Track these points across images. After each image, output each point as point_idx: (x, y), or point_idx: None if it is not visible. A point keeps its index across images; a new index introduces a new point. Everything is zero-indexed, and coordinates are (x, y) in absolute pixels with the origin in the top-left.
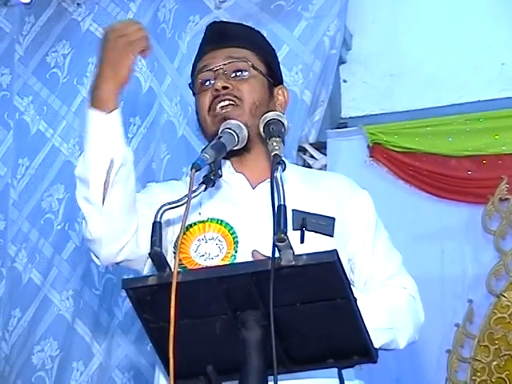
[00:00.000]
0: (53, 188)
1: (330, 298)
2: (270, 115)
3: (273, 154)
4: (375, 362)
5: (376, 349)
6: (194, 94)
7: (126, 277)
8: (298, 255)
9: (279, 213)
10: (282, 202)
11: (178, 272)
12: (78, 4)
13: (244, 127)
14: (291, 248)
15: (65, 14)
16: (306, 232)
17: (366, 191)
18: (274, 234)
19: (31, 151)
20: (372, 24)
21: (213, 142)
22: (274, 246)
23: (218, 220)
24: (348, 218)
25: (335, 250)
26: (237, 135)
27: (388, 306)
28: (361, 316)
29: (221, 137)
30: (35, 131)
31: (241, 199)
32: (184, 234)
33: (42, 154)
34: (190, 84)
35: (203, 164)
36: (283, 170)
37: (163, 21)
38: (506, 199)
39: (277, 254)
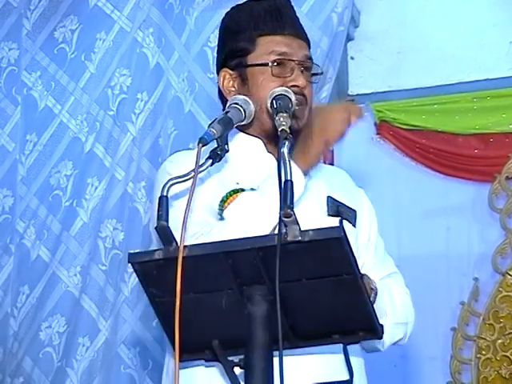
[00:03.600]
0: (61, 164)
1: (336, 273)
2: (278, 90)
3: (280, 129)
4: (380, 337)
5: (381, 325)
6: (226, 62)
7: (132, 251)
8: (304, 231)
9: (286, 188)
10: (289, 178)
11: (185, 246)
12: None
13: (251, 103)
14: (297, 223)
15: None
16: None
17: (362, 190)
18: (281, 210)
19: (39, 127)
20: (379, 1)
21: (220, 117)
22: (280, 221)
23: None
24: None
25: (341, 226)
26: (244, 110)
27: (401, 302)
28: (367, 292)
29: (228, 112)
30: (43, 107)
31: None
32: (226, 199)
33: (50, 130)
34: (229, 51)
35: (210, 139)
36: (291, 146)
37: None
38: None
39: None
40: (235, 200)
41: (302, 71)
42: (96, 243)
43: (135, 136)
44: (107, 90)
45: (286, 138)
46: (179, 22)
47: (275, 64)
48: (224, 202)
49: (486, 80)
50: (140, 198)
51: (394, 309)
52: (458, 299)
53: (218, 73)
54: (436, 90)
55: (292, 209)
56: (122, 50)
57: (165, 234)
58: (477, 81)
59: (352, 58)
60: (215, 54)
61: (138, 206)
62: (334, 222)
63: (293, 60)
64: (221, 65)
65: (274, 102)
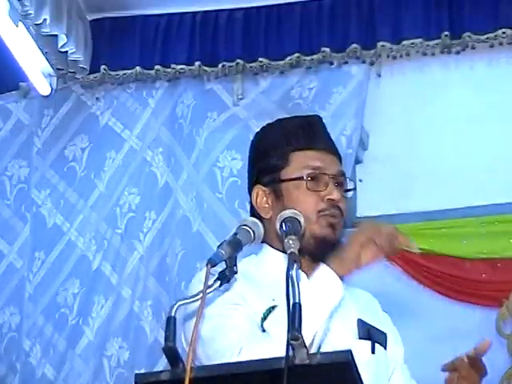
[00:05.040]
0: (68, 282)
1: None
2: (287, 213)
3: (289, 252)
4: None
5: None
6: (260, 179)
7: (137, 371)
8: (312, 354)
9: (294, 311)
10: (297, 301)
11: (191, 368)
12: (97, 98)
13: (260, 225)
14: (305, 347)
15: (84, 107)
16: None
17: (387, 314)
18: (288, 332)
19: (47, 244)
20: (388, 124)
21: (229, 239)
22: (288, 344)
23: None
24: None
25: (350, 350)
26: (253, 232)
27: None
28: None
29: (237, 233)
30: (52, 224)
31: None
32: (266, 316)
33: (59, 248)
34: (262, 169)
35: (219, 260)
36: (299, 269)
37: (181, 116)
38: None
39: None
40: (273, 314)
41: (337, 186)
42: (101, 362)
43: (142, 254)
44: (116, 208)
45: (294, 261)
46: (188, 142)
47: (309, 178)
48: (265, 319)
49: (493, 204)
50: (146, 317)
51: None
52: None
53: (249, 191)
54: (444, 213)
55: (300, 332)
56: (131, 168)
57: (172, 354)
58: (485, 205)
59: (360, 181)
60: (223, 174)
61: (144, 324)
62: (366, 345)
63: (327, 174)
64: (253, 183)
65: (284, 224)
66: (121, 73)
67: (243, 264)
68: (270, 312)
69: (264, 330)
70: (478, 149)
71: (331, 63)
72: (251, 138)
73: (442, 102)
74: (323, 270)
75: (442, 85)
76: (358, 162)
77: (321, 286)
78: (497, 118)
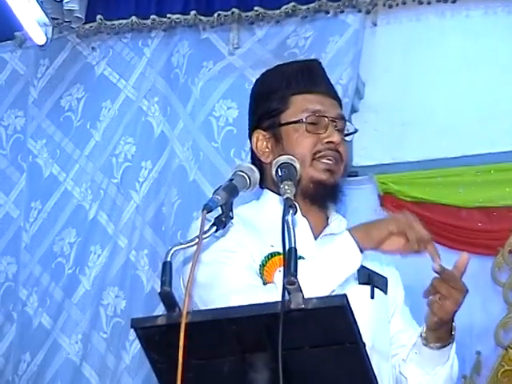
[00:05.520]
0: (65, 232)
1: (339, 342)
2: (282, 159)
3: (284, 197)
4: None
5: None
6: (259, 123)
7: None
8: (307, 298)
9: (290, 255)
10: (293, 245)
11: (188, 312)
12: (92, 48)
13: (256, 170)
14: (301, 291)
15: (79, 57)
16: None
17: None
18: (285, 277)
19: (44, 194)
20: (384, 73)
21: (224, 185)
22: (284, 288)
23: None
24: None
25: (345, 294)
26: (249, 178)
27: None
28: (369, 361)
29: (232, 179)
30: (48, 174)
31: (302, 249)
32: (265, 263)
33: (55, 198)
34: (261, 113)
35: (214, 206)
36: (294, 214)
37: (177, 66)
38: None
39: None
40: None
41: (337, 129)
42: (98, 311)
43: (139, 204)
44: (112, 158)
45: (290, 206)
46: (184, 92)
47: (309, 121)
48: (264, 266)
49: (489, 154)
50: (142, 266)
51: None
52: (459, 372)
53: (250, 137)
54: (440, 162)
55: (296, 276)
56: (127, 118)
57: (168, 299)
58: (480, 154)
59: (356, 130)
60: (219, 123)
61: (141, 273)
62: (365, 290)
63: (326, 117)
64: (253, 127)
65: (279, 170)
66: (116, 22)
67: (243, 210)
68: (268, 259)
69: (263, 277)
70: (474, 97)
71: (327, 12)
72: (247, 87)
73: (437, 50)
74: (346, 238)
75: (438, 33)
76: (353, 111)
77: (340, 254)
78: (493, 67)
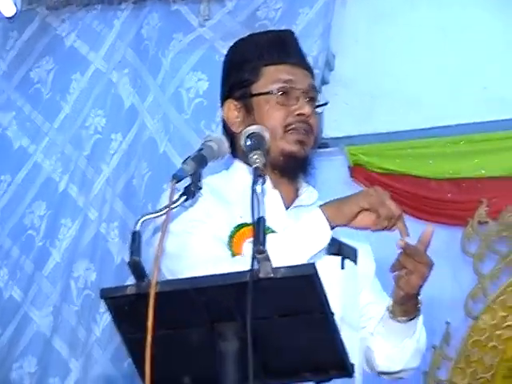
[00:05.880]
0: (35, 204)
1: (308, 311)
2: (251, 129)
3: (253, 166)
4: (351, 376)
5: (352, 363)
6: (231, 93)
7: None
8: (276, 268)
9: (258, 225)
10: (262, 215)
11: (157, 282)
12: (62, 20)
13: (225, 140)
14: (269, 260)
15: (49, 29)
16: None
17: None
18: (254, 246)
19: (13, 167)
20: (354, 45)
21: (193, 155)
22: (253, 257)
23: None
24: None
25: (313, 263)
26: (218, 148)
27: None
28: (337, 329)
29: (201, 149)
30: (17, 147)
31: (274, 221)
32: (234, 234)
33: (25, 171)
34: (233, 83)
35: (183, 175)
36: (263, 183)
37: (147, 37)
38: (485, 222)
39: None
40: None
41: (308, 100)
42: (68, 283)
43: (109, 176)
44: (82, 130)
45: (259, 176)
46: (155, 64)
47: (280, 92)
48: (232, 237)
49: (459, 125)
50: (113, 238)
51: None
52: (429, 343)
53: (221, 106)
54: (410, 134)
55: (264, 245)
56: (97, 90)
57: (137, 269)
58: (450, 126)
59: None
60: (189, 95)
61: (111, 246)
62: (335, 260)
63: (298, 88)
64: (225, 97)
65: (248, 139)
66: None
67: (213, 179)
68: (237, 230)
69: (231, 248)
70: (443, 68)
71: None
72: (217, 59)
73: (407, 21)
74: (317, 214)
75: (408, 4)
76: (324, 82)
77: (310, 230)
78: (462, 37)
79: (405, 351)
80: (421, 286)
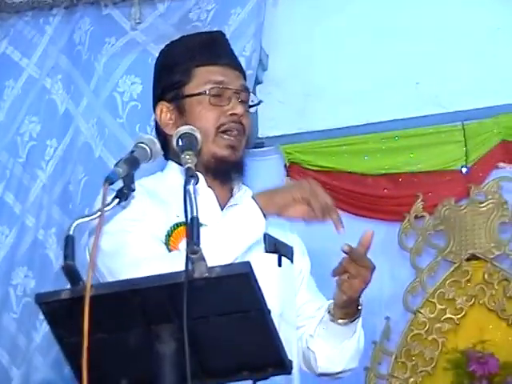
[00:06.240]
0: None
1: (244, 309)
2: (183, 129)
3: (186, 167)
4: (289, 373)
5: (290, 360)
6: (163, 95)
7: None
8: (211, 267)
9: (192, 225)
10: (195, 214)
11: (91, 285)
12: None
13: (157, 142)
14: (204, 260)
15: None
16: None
17: (295, 234)
18: (188, 246)
19: None
20: (287, 44)
21: (125, 157)
22: (188, 258)
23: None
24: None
25: (248, 262)
26: (150, 149)
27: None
28: (274, 327)
29: (133, 151)
30: None
31: (209, 219)
32: (171, 233)
33: None
34: (165, 86)
35: (116, 178)
36: (196, 183)
37: (79, 42)
38: (422, 216)
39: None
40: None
41: (241, 101)
42: (7, 291)
43: (45, 183)
44: (16, 137)
45: (191, 176)
46: (88, 68)
47: (212, 93)
48: (169, 236)
49: (393, 120)
50: (51, 245)
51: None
52: (369, 339)
53: (154, 108)
54: (344, 131)
55: (198, 245)
56: (30, 97)
57: (71, 273)
58: (384, 121)
59: (260, 102)
60: (123, 99)
61: (49, 252)
62: (272, 258)
63: (230, 89)
64: (157, 99)
65: (180, 140)
66: (16, 1)
67: (147, 181)
68: (174, 229)
69: (169, 247)
70: (376, 65)
71: None
72: (150, 62)
73: (337, 20)
74: (249, 203)
75: (339, 2)
76: (257, 82)
77: (244, 220)
78: (395, 34)
79: (345, 352)
80: (363, 289)
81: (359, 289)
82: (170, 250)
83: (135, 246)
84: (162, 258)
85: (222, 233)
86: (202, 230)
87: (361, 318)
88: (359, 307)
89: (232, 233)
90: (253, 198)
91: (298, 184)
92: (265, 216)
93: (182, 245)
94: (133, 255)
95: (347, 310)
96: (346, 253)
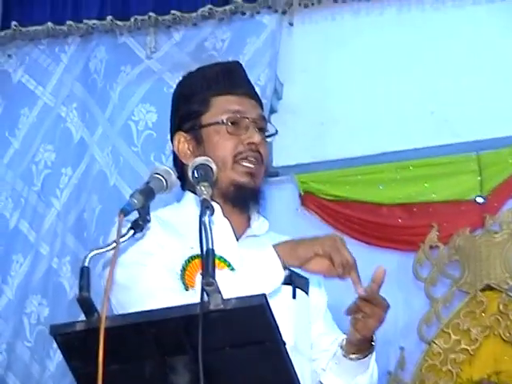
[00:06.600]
0: None
1: (259, 341)
2: (198, 160)
3: (201, 198)
4: None
5: None
6: (182, 125)
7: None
8: (226, 299)
9: (207, 257)
10: (211, 246)
11: (106, 317)
12: (8, 55)
13: (173, 172)
14: (219, 292)
15: None
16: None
17: None
18: (203, 278)
19: None
20: (302, 73)
21: (141, 188)
22: (203, 290)
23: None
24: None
25: (264, 294)
26: (165, 180)
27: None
28: (289, 359)
29: (149, 182)
30: None
31: (225, 250)
32: (186, 267)
33: None
34: (182, 117)
35: (131, 209)
36: (211, 215)
37: (94, 71)
38: (436, 246)
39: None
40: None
41: (258, 129)
42: (21, 319)
43: (60, 211)
44: (31, 165)
45: (207, 207)
46: (103, 97)
47: (230, 122)
48: (185, 269)
49: (408, 150)
50: (65, 273)
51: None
52: (384, 369)
53: (171, 139)
54: (359, 160)
55: (214, 277)
56: (45, 125)
57: (86, 305)
58: (399, 151)
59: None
60: (138, 128)
61: (63, 280)
62: (287, 290)
63: (247, 118)
64: (174, 129)
65: (196, 171)
66: (32, 29)
67: (164, 212)
68: (189, 262)
69: (184, 281)
70: (391, 95)
71: (243, 13)
72: (166, 91)
73: (353, 49)
74: (270, 253)
75: (353, 32)
76: (272, 111)
77: (263, 270)
78: (409, 64)
79: None
80: (377, 328)
81: (373, 328)
82: (185, 284)
83: (148, 280)
84: (175, 294)
85: (240, 281)
86: (222, 273)
87: (374, 354)
88: (372, 343)
89: (250, 282)
90: (275, 248)
91: (321, 238)
92: (285, 267)
93: (198, 279)
94: (144, 290)
95: (360, 346)
96: (361, 296)
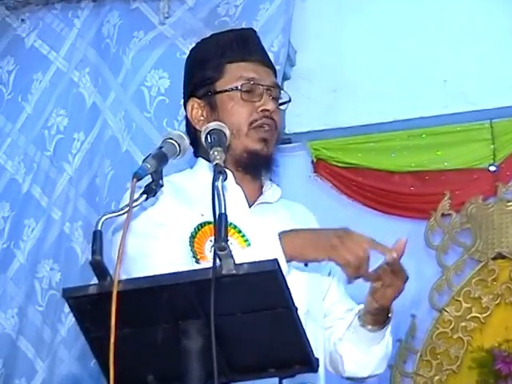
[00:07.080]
0: None
1: (271, 307)
2: (211, 125)
3: (214, 163)
4: (316, 371)
5: (317, 358)
6: (195, 92)
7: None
8: (238, 264)
9: (220, 222)
10: (223, 211)
11: (119, 281)
12: (22, 20)
13: (186, 137)
14: (232, 257)
15: (9, 29)
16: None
17: None
18: (215, 242)
19: None
20: (315, 39)
21: (154, 152)
22: (215, 254)
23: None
24: None
25: (276, 259)
26: (178, 145)
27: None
28: (301, 325)
29: (162, 147)
30: None
31: (237, 217)
32: (195, 234)
33: None
34: (196, 83)
35: (144, 173)
36: (224, 180)
37: (107, 36)
38: (448, 214)
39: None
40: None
41: (272, 98)
42: (33, 284)
43: (72, 176)
44: (44, 130)
45: (220, 172)
46: (116, 62)
47: (244, 89)
48: (194, 236)
49: (420, 118)
50: (77, 238)
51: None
52: (395, 337)
53: (185, 105)
54: (372, 127)
55: (226, 242)
56: (58, 90)
57: (99, 268)
58: (412, 119)
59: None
60: (151, 93)
61: (75, 245)
62: None
63: (261, 85)
64: (188, 95)
65: (209, 136)
66: None
67: (176, 177)
68: (199, 229)
69: (193, 248)
70: (404, 62)
71: None
72: (178, 57)
73: (368, 15)
74: (274, 246)
75: None
76: (285, 78)
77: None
78: (424, 31)
79: (372, 357)
80: (395, 299)
81: (391, 298)
82: (193, 252)
83: (160, 254)
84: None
85: (255, 253)
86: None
87: (390, 325)
88: (389, 314)
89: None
90: (279, 236)
91: (329, 242)
92: (288, 260)
93: (207, 248)
94: (155, 264)
95: (377, 316)
96: (387, 264)
